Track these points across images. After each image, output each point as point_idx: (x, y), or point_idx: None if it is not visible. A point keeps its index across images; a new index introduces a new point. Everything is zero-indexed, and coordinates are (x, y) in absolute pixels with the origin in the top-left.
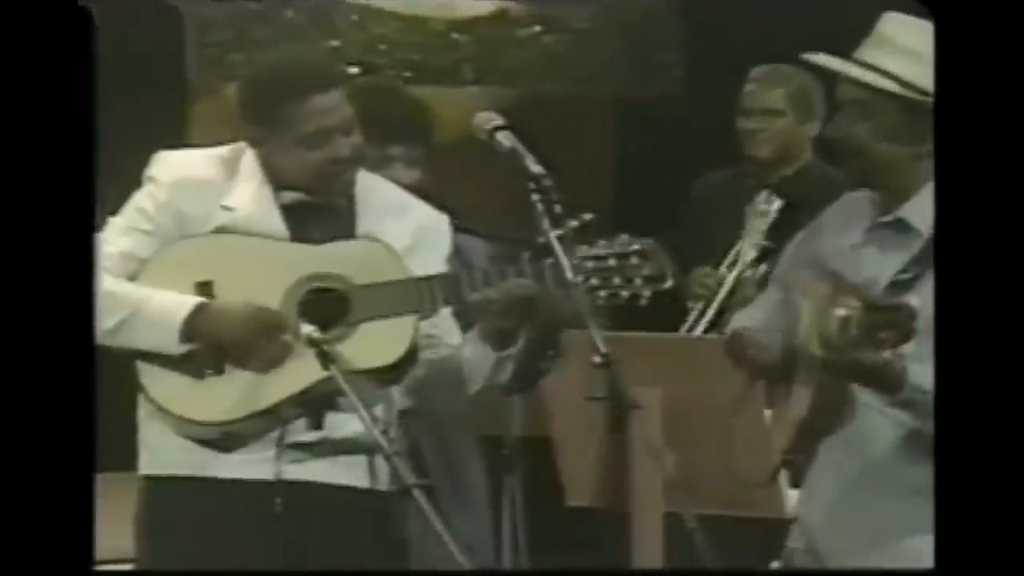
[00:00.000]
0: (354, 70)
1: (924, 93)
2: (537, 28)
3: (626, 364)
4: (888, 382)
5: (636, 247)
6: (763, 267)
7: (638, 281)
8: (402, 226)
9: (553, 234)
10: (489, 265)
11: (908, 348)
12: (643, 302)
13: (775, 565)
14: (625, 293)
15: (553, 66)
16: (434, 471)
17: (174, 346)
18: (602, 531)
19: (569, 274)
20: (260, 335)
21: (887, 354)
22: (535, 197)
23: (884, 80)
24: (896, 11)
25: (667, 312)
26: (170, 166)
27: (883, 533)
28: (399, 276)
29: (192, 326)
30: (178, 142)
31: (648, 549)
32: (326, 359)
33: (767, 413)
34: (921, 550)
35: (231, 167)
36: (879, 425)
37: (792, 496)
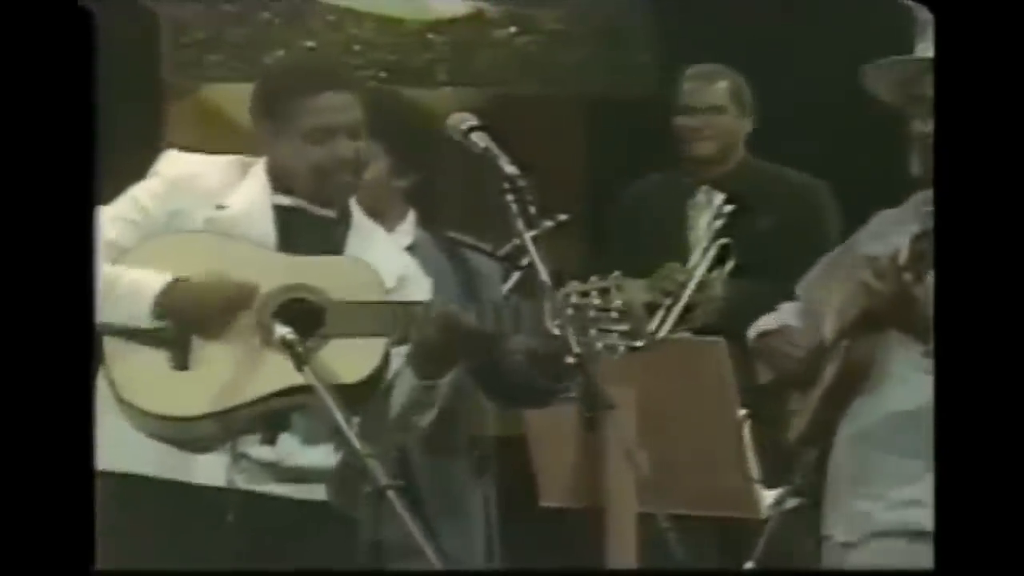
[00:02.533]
0: None
1: None
2: (512, 29)
3: (601, 364)
4: (925, 322)
5: (617, 304)
6: (729, 265)
7: (614, 335)
8: (389, 264)
9: (527, 235)
10: (475, 297)
11: None
12: (616, 357)
13: (748, 565)
14: (600, 345)
15: (528, 67)
16: (422, 480)
17: (145, 319)
18: (576, 531)
19: (544, 277)
20: (231, 303)
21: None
22: (509, 198)
23: None
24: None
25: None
26: (177, 164)
27: (898, 475)
28: (377, 298)
29: (165, 300)
30: (154, 143)
31: (622, 549)
32: (299, 360)
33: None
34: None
35: (240, 173)
36: (902, 392)
37: (767, 497)
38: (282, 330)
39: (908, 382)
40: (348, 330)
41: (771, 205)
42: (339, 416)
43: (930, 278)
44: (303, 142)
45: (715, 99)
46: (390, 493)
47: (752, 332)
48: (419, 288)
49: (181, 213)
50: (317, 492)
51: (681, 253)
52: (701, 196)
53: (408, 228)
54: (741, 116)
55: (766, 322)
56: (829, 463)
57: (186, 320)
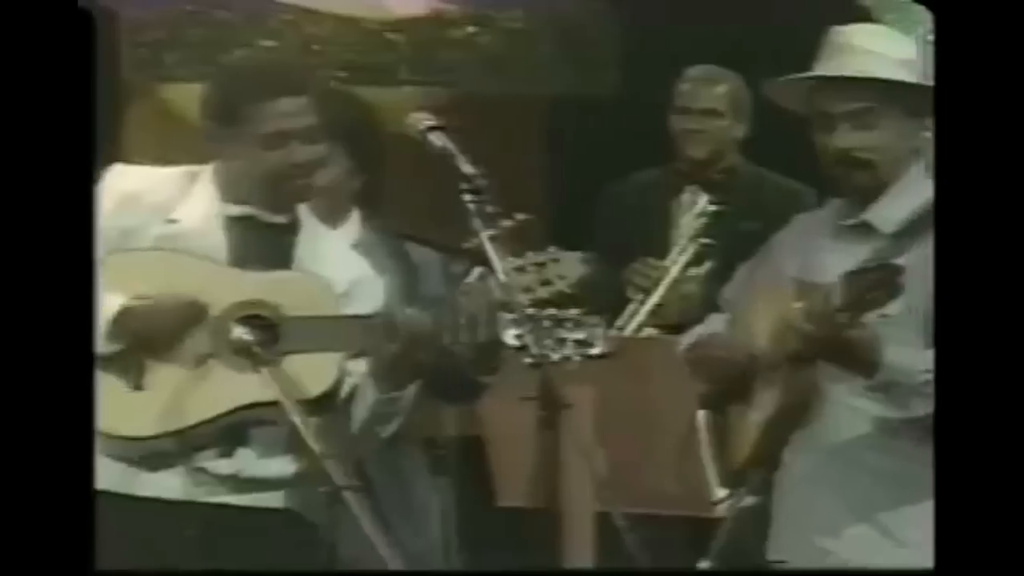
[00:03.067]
0: None
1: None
2: (472, 28)
3: (558, 363)
4: (865, 359)
5: (572, 314)
6: (706, 265)
7: (569, 345)
8: (340, 268)
9: (485, 235)
10: (424, 308)
11: (894, 309)
12: (572, 367)
13: (704, 564)
14: (555, 356)
15: (488, 66)
16: (379, 481)
17: (101, 344)
18: (533, 531)
19: (501, 276)
20: (183, 322)
21: (871, 320)
22: (468, 197)
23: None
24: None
25: (604, 301)
26: (124, 179)
27: (852, 511)
28: (332, 312)
29: (118, 325)
30: (112, 143)
31: (579, 549)
32: (256, 361)
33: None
34: (889, 524)
35: (187, 185)
36: (847, 419)
37: (721, 494)
38: (238, 331)
39: (854, 411)
40: (303, 346)
41: (757, 209)
42: (296, 418)
43: (925, 288)
44: (258, 148)
45: (711, 102)
46: (347, 495)
47: (683, 343)
48: (372, 290)
49: (133, 230)
50: (276, 501)
51: (663, 252)
52: (687, 196)
53: (353, 227)
54: (736, 121)
55: (696, 332)
56: (776, 489)
57: (140, 341)
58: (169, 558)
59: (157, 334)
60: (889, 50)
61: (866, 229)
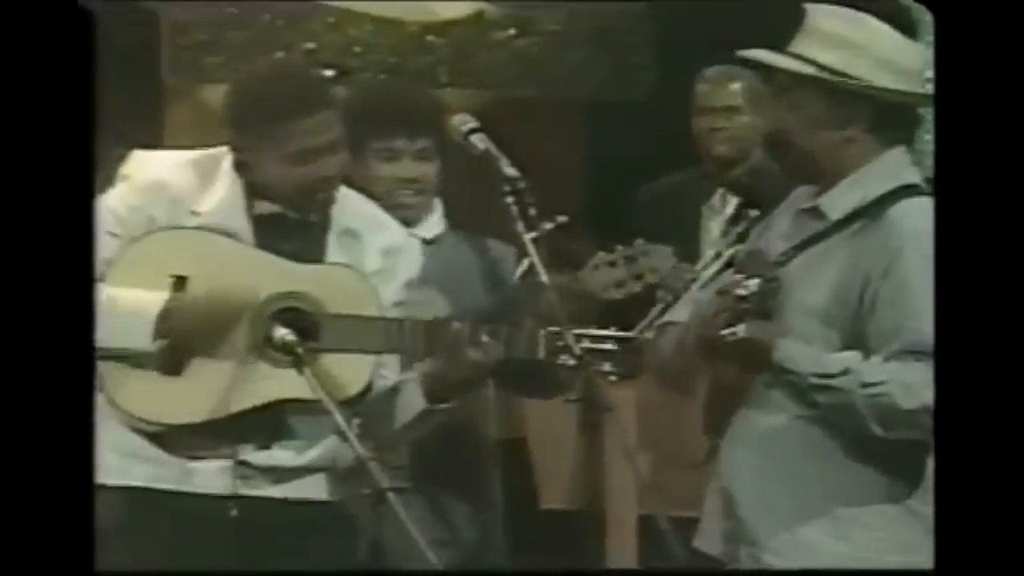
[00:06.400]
0: (329, 72)
1: (851, 78)
2: (512, 31)
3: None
4: (754, 360)
5: (639, 244)
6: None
7: (648, 276)
8: (372, 248)
9: (527, 236)
10: (469, 322)
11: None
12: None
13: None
14: (637, 287)
15: (528, 69)
16: (446, 474)
17: (147, 342)
18: (577, 533)
19: (544, 277)
20: (230, 317)
21: (748, 331)
22: (509, 199)
23: (808, 67)
24: (863, 11)
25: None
26: (146, 168)
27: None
28: (372, 310)
29: (165, 321)
30: (152, 144)
31: (622, 550)
32: (300, 363)
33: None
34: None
35: (209, 172)
36: (770, 408)
37: None
38: (281, 332)
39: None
40: (341, 345)
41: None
42: (340, 419)
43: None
44: (285, 163)
45: (730, 99)
46: (391, 495)
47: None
48: (408, 260)
49: (157, 220)
50: (318, 491)
51: (694, 255)
52: (716, 200)
53: (436, 220)
54: (757, 116)
55: (674, 312)
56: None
57: (186, 338)
58: (209, 551)
59: (203, 329)
60: (862, 40)
61: (815, 214)
